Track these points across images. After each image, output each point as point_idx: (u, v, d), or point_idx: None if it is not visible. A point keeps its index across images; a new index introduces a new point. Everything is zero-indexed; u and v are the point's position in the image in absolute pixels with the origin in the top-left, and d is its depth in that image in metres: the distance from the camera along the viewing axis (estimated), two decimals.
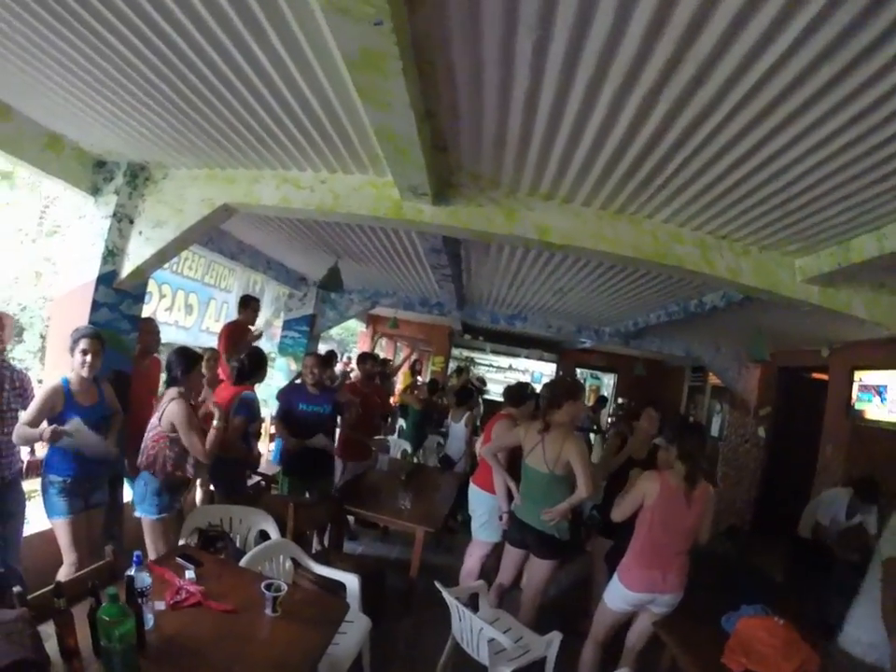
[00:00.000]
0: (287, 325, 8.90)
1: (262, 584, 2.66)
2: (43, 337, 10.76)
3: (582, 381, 13.72)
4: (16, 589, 2.15)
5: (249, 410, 4.42)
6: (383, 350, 15.65)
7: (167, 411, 3.53)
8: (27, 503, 3.70)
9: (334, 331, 22.19)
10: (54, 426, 3.28)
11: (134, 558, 2.34)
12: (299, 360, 8.42)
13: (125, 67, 2.80)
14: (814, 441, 7.65)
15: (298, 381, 5.33)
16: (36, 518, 3.82)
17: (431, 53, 2.22)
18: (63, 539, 3.45)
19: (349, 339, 27.82)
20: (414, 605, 4.68)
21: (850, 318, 4.21)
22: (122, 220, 4.33)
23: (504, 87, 2.43)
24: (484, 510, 4.72)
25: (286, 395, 5.12)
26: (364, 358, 6.54)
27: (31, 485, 3.79)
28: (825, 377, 7.86)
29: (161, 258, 4.46)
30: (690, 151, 2.73)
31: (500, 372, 15.33)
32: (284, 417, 5.01)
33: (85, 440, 3.40)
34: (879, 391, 6.55)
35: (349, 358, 13.36)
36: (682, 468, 3.47)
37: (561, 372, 14.48)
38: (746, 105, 2.24)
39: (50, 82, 3.10)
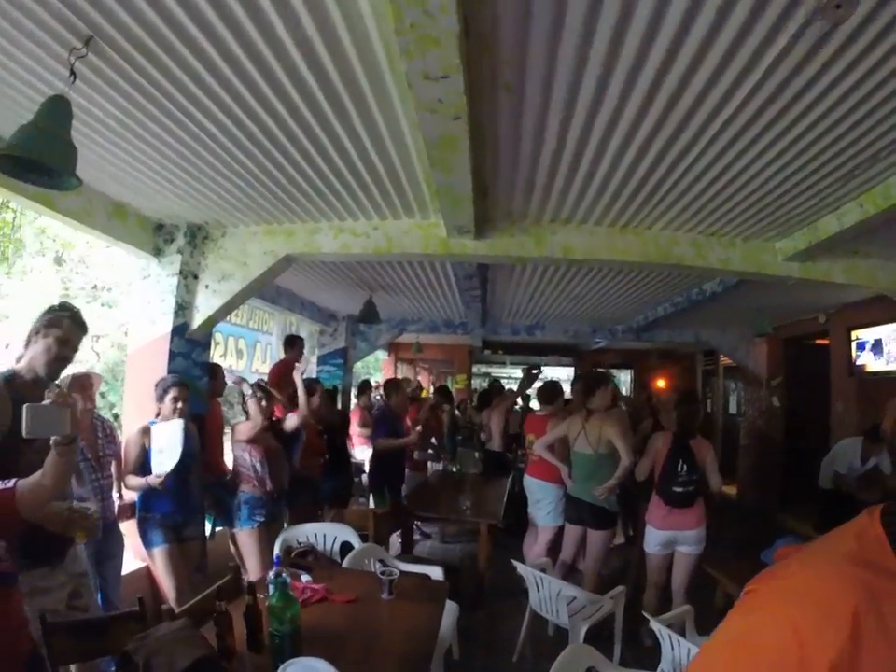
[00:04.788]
0: (322, 360, 9.18)
1: (378, 571, 3.08)
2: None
3: None
4: (165, 606, 2.45)
5: None
6: (404, 375, 15.92)
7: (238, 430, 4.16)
8: (125, 544, 3.90)
9: None
10: (160, 476, 3.47)
11: (275, 559, 2.64)
12: (336, 392, 8.80)
13: (192, 137, 3.11)
14: (825, 401, 8.09)
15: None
16: (127, 559, 4.02)
17: (484, 133, 2.85)
18: (161, 568, 3.64)
19: (360, 368, 27.63)
20: (486, 596, 5.10)
21: (835, 285, 4.85)
22: (188, 277, 4.67)
23: (535, 150, 3.12)
24: (549, 498, 5.28)
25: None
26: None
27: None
28: (826, 342, 8.33)
29: (228, 308, 4.85)
30: (681, 171, 3.35)
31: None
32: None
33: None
34: (875, 345, 7.09)
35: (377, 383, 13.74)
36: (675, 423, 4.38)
37: (579, 374, 14.84)
38: (724, 131, 2.83)
39: (116, 155, 3.37)
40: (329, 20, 2.11)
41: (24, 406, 1.97)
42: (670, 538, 4.24)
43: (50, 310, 2.64)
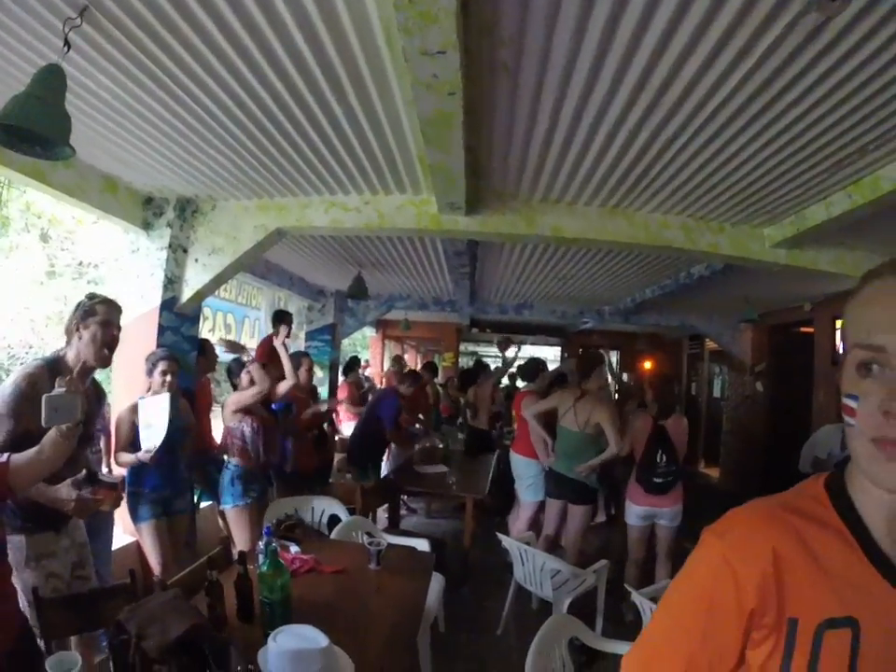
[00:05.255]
0: (310, 336, 9.15)
1: (366, 542, 3.15)
2: None
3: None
4: (156, 578, 2.56)
5: None
6: (391, 353, 15.93)
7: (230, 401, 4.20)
8: (114, 519, 3.96)
9: None
10: (150, 451, 3.43)
11: (265, 529, 2.62)
12: (324, 368, 8.82)
13: (185, 109, 3.09)
14: (808, 388, 8.23)
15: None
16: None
17: (481, 111, 2.87)
18: (148, 542, 3.64)
19: (348, 346, 27.70)
20: (470, 573, 5.21)
21: (822, 274, 4.94)
22: (177, 251, 4.67)
23: (528, 130, 3.14)
24: (529, 473, 5.41)
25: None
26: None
27: None
28: (811, 330, 8.42)
29: (218, 281, 4.87)
30: (672, 154, 3.37)
31: None
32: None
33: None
34: None
35: (367, 362, 13.80)
36: (656, 406, 4.58)
37: (566, 355, 14.95)
38: (715, 116, 2.86)
39: (108, 128, 3.36)
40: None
41: (43, 397, 2.03)
42: (650, 512, 4.48)
43: (80, 304, 2.73)
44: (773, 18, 2.06)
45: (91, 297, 2.76)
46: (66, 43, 2.32)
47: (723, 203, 4.14)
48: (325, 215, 4.58)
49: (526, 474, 5.48)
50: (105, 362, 2.73)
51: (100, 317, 2.67)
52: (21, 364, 2.94)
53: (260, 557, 2.50)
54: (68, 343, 2.70)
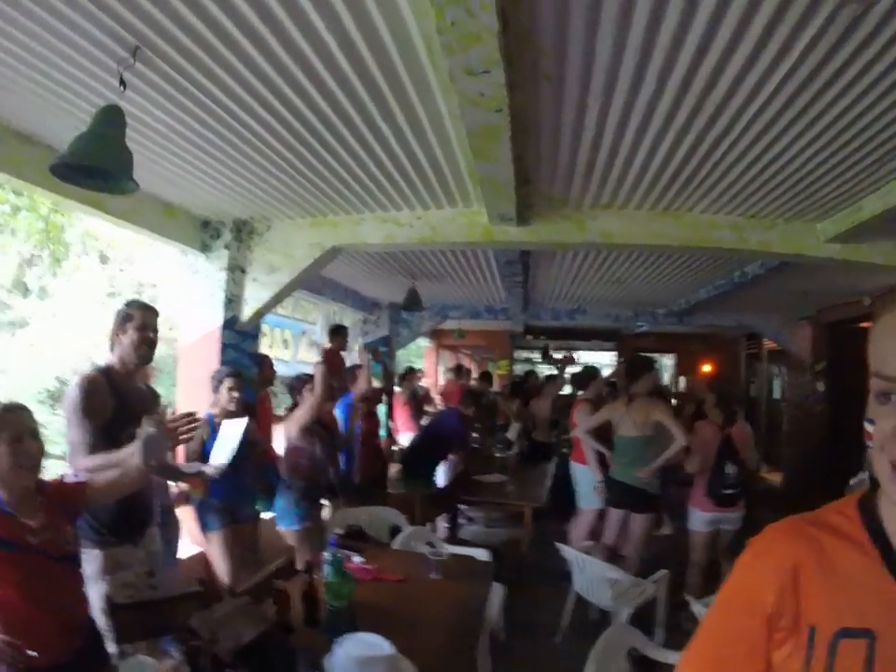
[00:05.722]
0: (367, 348, 9.24)
1: (427, 552, 3.19)
2: None
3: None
4: (225, 585, 2.66)
5: None
6: (446, 363, 15.90)
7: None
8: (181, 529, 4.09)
9: None
10: (217, 468, 3.43)
11: (331, 540, 2.78)
12: (378, 378, 8.92)
13: (236, 135, 3.22)
14: (867, 386, 7.95)
15: None
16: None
17: (526, 123, 2.91)
18: (217, 551, 3.76)
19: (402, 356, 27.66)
20: (528, 580, 5.18)
21: (879, 268, 4.74)
22: (235, 271, 4.81)
23: (575, 137, 3.16)
24: (587, 481, 5.35)
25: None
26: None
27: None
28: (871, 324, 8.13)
29: (276, 299, 5.01)
30: (720, 154, 3.33)
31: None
32: None
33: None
34: None
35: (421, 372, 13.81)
36: (718, 413, 4.56)
37: (622, 360, 14.71)
38: (761, 114, 2.81)
39: (164, 157, 3.52)
40: (369, 19, 2.16)
41: (143, 438, 2.24)
42: (716, 518, 4.49)
43: (119, 311, 2.86)
44: (813, 11, 2.03)
45: (129, 303, 2.91)
46: (122, 83, 2.47)
47: (774, 199, 4.06)
48: (378, 231, 4.67)
49: (585, 482, 5.43)
50: (145, 359, 2.87)
51: (136, 322, 2.79)
52: None
53: (326, 567, 2.56)
54: (111, 349, 2.84)
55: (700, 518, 4.54)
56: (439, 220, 4.57)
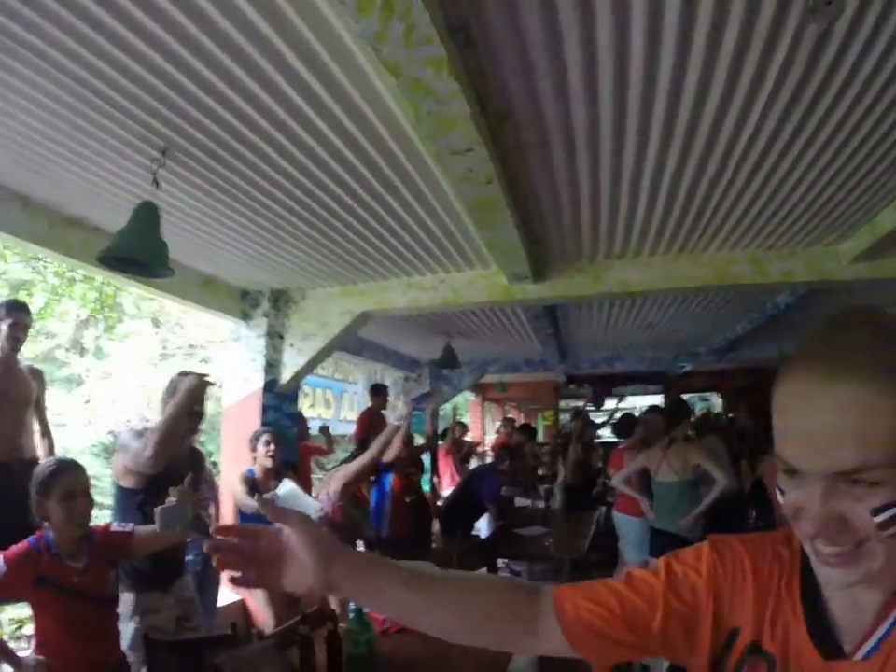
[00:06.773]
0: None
1: None
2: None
3: (692, 405, 13.48)
4: (255, 630, 2.71)
5: None
6: (492, 416, 15.96)
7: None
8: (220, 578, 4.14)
9: None
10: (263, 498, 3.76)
11: None
12: (421, 435, 9.03)
13: (269, 215, 3.48)
14: None
15: None
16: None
17: (523, 189, 3.10)
18: (262, 597, 3.95)
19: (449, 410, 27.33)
20: None
21: None
22: (274, 337, 5.07)
23: (573, 196, 3.32)
24: (632, 531, 5.36)
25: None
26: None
27: None
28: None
29: (312, 364, 5.25)
30: (722, 188, 3.30)
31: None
32: None
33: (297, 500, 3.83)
34: None
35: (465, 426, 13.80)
36: None
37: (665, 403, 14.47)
38: (769, 149, 2.81)
39: (203, 238, 3.84)
40: (367, 119, 2.43)
41: (156, 510, 2.40)
42: None
43: (171, 380, 3.08)
44: (775, 35, 2.00)
45: (182, 374, 3.06)
46: (155, 181, 2.78)
47: (790, 226, 3.99)
48: (403, 296, 4.90)
49: (630, 532, 5.42)
50: (192, 431, 3.07)
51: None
52: None
53: (350, 615, 2.66)
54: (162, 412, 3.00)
55: None
56: (460, 283, 4.76)
